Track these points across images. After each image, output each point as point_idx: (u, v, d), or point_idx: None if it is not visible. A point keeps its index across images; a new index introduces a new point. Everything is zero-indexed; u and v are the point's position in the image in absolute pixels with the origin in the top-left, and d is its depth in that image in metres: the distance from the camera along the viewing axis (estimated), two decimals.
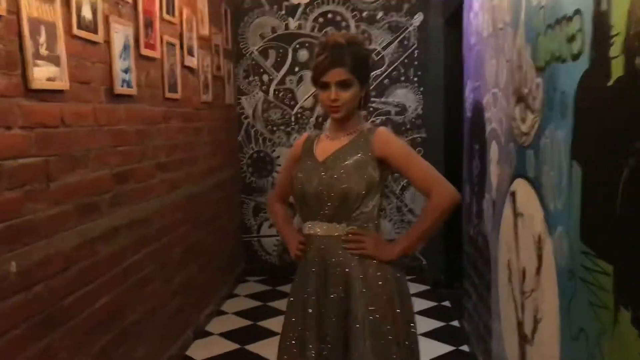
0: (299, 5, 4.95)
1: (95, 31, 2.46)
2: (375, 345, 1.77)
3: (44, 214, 2.08)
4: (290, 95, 5.07)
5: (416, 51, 4.90)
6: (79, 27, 2.32)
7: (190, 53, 3.75)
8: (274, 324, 3.87)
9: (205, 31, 4.08)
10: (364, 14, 4.91)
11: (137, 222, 2.89)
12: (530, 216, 2.10)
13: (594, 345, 1.48)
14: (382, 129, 1.88)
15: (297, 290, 1.92)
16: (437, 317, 4.07)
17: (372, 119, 4.96)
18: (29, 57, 1.97)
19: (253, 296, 4.61)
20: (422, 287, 4.76)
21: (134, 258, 2.86)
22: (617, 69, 1.31)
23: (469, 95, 3.48)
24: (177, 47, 3.50)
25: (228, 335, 3.80)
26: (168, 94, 3.33)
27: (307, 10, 4.95)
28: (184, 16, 3.62)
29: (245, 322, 4.04)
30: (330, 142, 1.88)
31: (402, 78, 4.95)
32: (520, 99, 2.22)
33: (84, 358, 2.34)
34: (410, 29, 4.89)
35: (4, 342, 1.84)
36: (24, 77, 1.97)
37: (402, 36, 4.91)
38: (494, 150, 2.75)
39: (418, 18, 4.86)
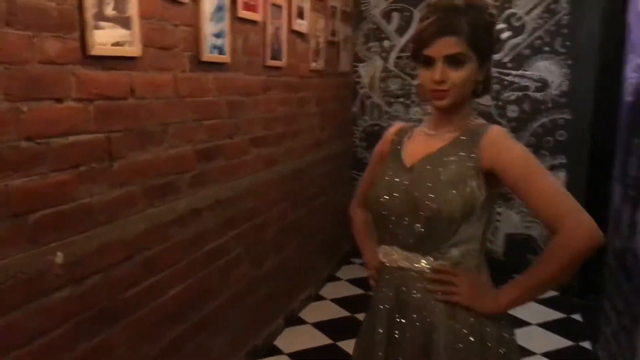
0: None
1: None
2: None
3: (104, 198, 1.85)
4: (412, 64, 4.55)
5: (566, 17, 4.14)
6: None
7: (301, 16, 3.39)
8: None
9: None
10: None
11: (223, 203, 2.63)
12: None
13: None
14: (496, 128, 1.36)
15: (366, 329, 1.50)
16: (565, 334, 3.46)
17: (506, 94, 4.32)
18: (89, 16, 1.71)
19: (355, 282, 4.27)
20: (550, 293, 4.13)
21: (218, 242, 2.62)
22: None
23: (630, 75, 2.78)
24: (285, 8, 3.14)
25: (322, 326, 3.50)
26: (269, 62, 3.00)
27: None
28: None
29: (343, 313, 3.71)
30: (425, 141, 1.41)
31: (547, 48, 4.22)
32: None
33: (149, 353, 2.13)
34: None
35: (47, 341, 1.65)
36: (82, 41, 1.71)
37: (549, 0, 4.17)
38: None
39: None
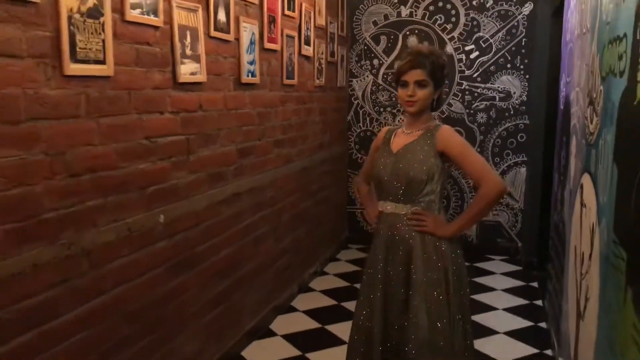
0: None
1: (227, 31, 2.99)
2: (428, 307, 2.14)
3: (184, 180, 2.66)
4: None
5: (524, 40, 5.03)
6: (215, 29, 2.86)
7: (307, 43, 4.22)
8: None
9: (321, 21, 4.53)
10: (474, 2, 5.09)
11: (254, 190, 3.45)
12: (589, 207, 2.35)
13: (612, 321, 1.77)
14: (445, 127, 2.23)
15: (371, 258, 2.33)
16: (523, 295, 4.31)
17: (476, 103, 5.18)
18: (178, 57, 2.53)
19: (353, 261, 5.10)
20: (515, 268, 4.98)
21: (251, 219, 3.43)
22: (639, 93, 1.58)
23: (562, 89, 3.64)
24: (296, 38, 3.98)
25: (328, 292, 4.32)
26: (285, 81, 3.83)
27: None
28: (303, 10, 4.08)
29: (344, 283, 4.54)
30: (404, 136, 2.26)
31: (508, 65, 5.11)
32: (591, 101, 2.44)
33: (207, 297, 2.94)
34: (519, 17, 5.01)
35: (151, 277, 2.44)
36: (173, 73, 2.53)
37: (510, 24, 5.04)
38: (573, 145, 2.96)
39: (528, 7, 4.97)
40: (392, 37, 5.35)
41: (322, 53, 4.63)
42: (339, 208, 5.44)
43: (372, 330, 2.23)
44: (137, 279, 2.35)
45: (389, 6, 5.30)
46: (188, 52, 2.62)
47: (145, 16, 2.29)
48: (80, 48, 1.93)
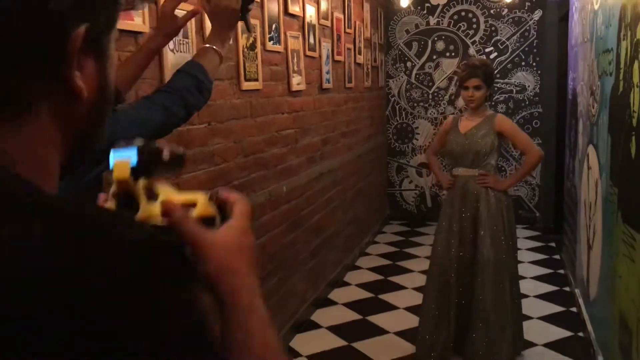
0: (437, 5, 6.18)
1: (314, 50, 3.95)
2: (492, 243, 3.08)
3: (294, 162, 3.63)
4: (428, 78, 6.35)
5: (535, 41, 5.96)
6: (309, 49, 3.82)
7: (359, 52, 5.18)
8: (415, 251, 5.30)
9: (367, 34, 5.49)
10: (492, 11, 6.03)
11: (331, 171, 4.41)
12: (593, 168, 3.29)
13: (610, 238, 2.72)
14: (500, 114, 3.20)
15: (445, 207, 3.27)
16: (544, 252, 5.26)
17: (496, 96, 6.12)
18: (291, 72, 3.50)
19: (396, 234, 6.06)
20: (535, 234, 5.92)
21: (330, 194, 4.40)
22: (621, 87, 2.53)
23: (570, 83, 4.58)
24: (352, 50, 4.94)
25: (382, 255, 5.29)
26: (347, 85, 4.79)
27: (444, 9, 6.17)
28: (356, 26, 5.04)
29: (393, 249, 5.50)
30: (468, 122, 3.19)
31: (523, 63, 6.04)
32: (592, 92, 3.39)
33: (308, 250, 3.91)
34: (530, 22, 5.95)
35: (275, 233, 3.41)
36: (288, 84, 3.50)
37: (523, 29, 5.98)
38: (580, 125, 3.91)
39: (537, 14, 5.91)
40: (422, 42, 6.30)
41: (368, 59, 5.59)
42: (381, 189, 6.40)
43: (447, 257, 3.17)
44: (273, 230, 3.32)
45: (419, 17, 6.25)
46: (295, 68, 3.58)
47: (275, 45, 3.26)
48: (247, 71, 2.90)
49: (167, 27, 1.45)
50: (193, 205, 0.62)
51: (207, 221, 0.62)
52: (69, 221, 0.42)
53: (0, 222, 0.40)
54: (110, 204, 0.60)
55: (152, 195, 0.60)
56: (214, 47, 1.39)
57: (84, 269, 0.39)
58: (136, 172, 0.60)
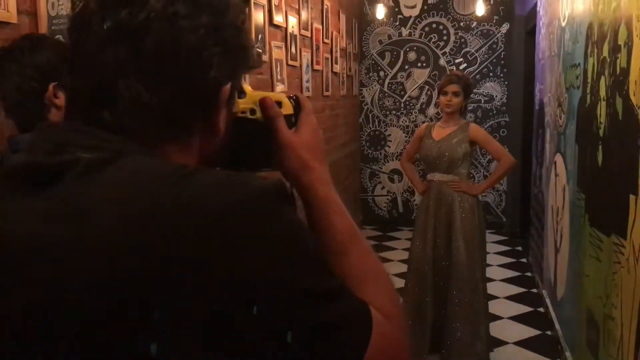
0: (410, 17, 6.38)
1: (296, 59, 4.07)
2: (466, 246, 3.24)
3: None
4: (400, 87, 6.55)
5: (503, 53, 6.22)
6: (290, 58, 3.94)
7: (336, 62, 5.33)
8: (389, 254, 5.45)
9: (343, 44, 5.64)
10: (462, 23, 6.27)
11: None
12: (561, 175, 3.50)
13: (577, 240, 2.91)
14: (473, 124, 3.38)
15: (420, 212, 3.43)
16: (511, 255, 5.49)
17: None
18: (275, 81, 3.61)
19: (369, 238, 6.21)
20: (502, 238, 6.16)
21: None
22: (589, 100, 2.72)
23: (537, 93, 4.82)
24: (330, 59, 5.08)
25: None
26: (325, 93, 4.93)
27: (416, 21, 6.38)
28: (333, 36, 5.19)
29: None
30: (441, 130, 3.35)
31: (491, 74, 6.29)
32: (559, 103, 3.60)
33: None
34: (498, 35, 6.21)
35: None
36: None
37: (491, 41, 6.23)
38: (548, 134, 4.13)
39: (505, 27, 6.17)
40: (395, 53, 6.49)
41: (344, 69, 5.74)
42: (354, 195, 6.55)
43: (424, 260, 3.33)
44: None
45: (392, 28, 6.44)
46: (279, 77, 3.70)
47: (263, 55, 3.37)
48: None
49: None
50: (279, 104, 0.74)
51: (288, 118, 0.75)
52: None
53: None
54: None
55: (240, 93, 0.72)
56: None
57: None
58: None
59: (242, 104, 0.72)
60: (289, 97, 0.77)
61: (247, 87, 0.73)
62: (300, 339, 0.56)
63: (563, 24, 3.52)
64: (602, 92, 2.47)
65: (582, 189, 2.87)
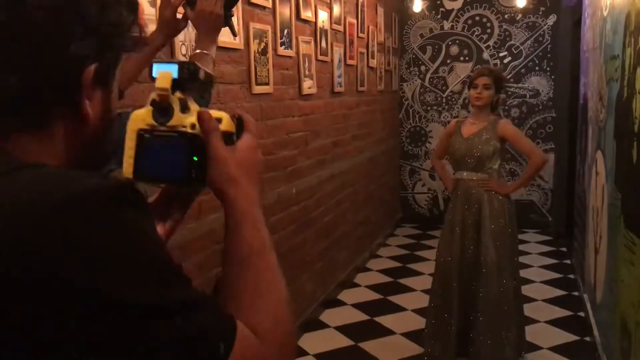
0: (452, 10, 6.21)
1: (326, 54, 4.01)
2: (495, 245, 3.11)
3: (303, 164, 3.70)
4: (442, 82, 6.39)
5: (549, 46, 5.96)
6: (320, 53, 3.89)
7: (372, 56, 5.24)
8: (426, 254, 5.33)
9: (381, 38, 5.54)
10: (506, 16, 6.05)
11: (342, 173, 4.47)
12: (600, 173, 3.31)
13: (614, 242, 2.74)
14: (503, 119, 3.23)
15: (448, 212, 3.32)
16: (554, 256, 5.26)
17: (510, 100, 6.12)
18: (302, 76, 3.57)
19: (408, 236, 6.10)
20: (546, 238, 5.92)
21: (340, 196, 4.46)
22: (625, 93, 2.55)
23: (582, 88, 4.59)
24: (365, 54, 5.00)
25: (393, 258, 5.33)
26: (359, 88, 4.85)
27: (459, 14, 6.20)
28: (370, 31, 5.10)
29: (403, 252, 5.54)
30: (471, 126, 3.23)
31: (537, 68, 6.05)
32: (600, 98, 3.41)
33: (317, 251, 3.97)
34: (545, 27, 5.96)
35: (284, 234, 3.47)
36: (299, 88, 3.56)
37: (537, 33, 5.99)
38: (590, 130, 3.92)
39: (552, 19, 5.91)
40: (436, 47, 6.33)
41: (382, 63, 5.64)
42: (393, 192, 6.44)
43: (449, 261, 3.22)
44: (281, 232, 3.39)
45: (433, 21, 6.29)
46: (307, 72, 3.65)
47: (286, 50, 3.33)
48: (258, 75, 2.98)
49: (167, 28, 1.50)
50: (219, 120, 0.73)
51: (227, 135, 0.73)
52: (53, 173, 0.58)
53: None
54: (147, 110, 0.70)
55: (184, 108, 0.70)
56: (205, 51, 1.41)
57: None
58: (175, 84, 0.69)
59: (183, 118, 0.70)
60: (232, 116, 0.76)
61: (192, 104, 0.71)
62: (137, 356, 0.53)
63: (605, 13, 3.32)
64: (638, 85, 2.31)
65: (619, 188, 2.70)
